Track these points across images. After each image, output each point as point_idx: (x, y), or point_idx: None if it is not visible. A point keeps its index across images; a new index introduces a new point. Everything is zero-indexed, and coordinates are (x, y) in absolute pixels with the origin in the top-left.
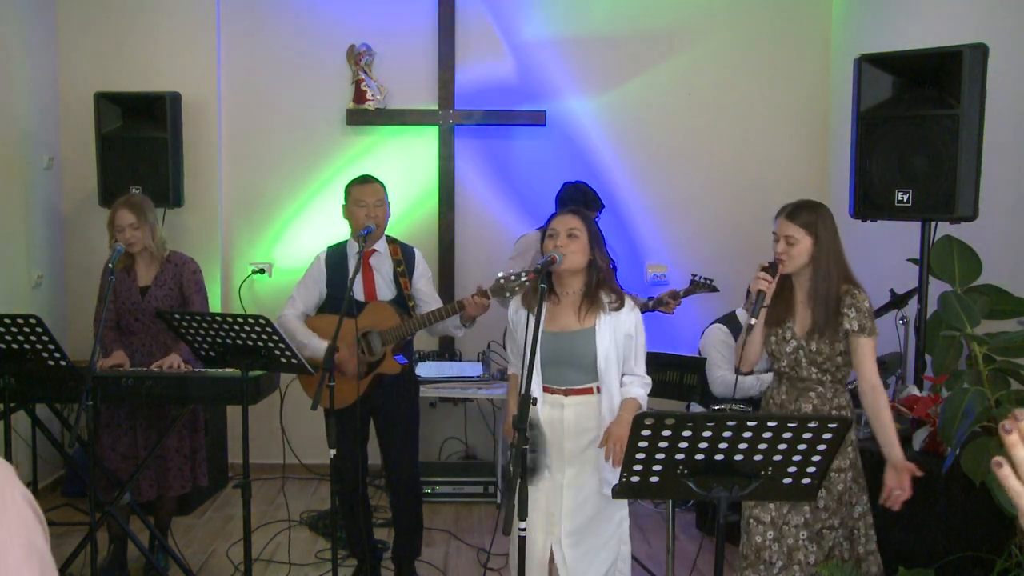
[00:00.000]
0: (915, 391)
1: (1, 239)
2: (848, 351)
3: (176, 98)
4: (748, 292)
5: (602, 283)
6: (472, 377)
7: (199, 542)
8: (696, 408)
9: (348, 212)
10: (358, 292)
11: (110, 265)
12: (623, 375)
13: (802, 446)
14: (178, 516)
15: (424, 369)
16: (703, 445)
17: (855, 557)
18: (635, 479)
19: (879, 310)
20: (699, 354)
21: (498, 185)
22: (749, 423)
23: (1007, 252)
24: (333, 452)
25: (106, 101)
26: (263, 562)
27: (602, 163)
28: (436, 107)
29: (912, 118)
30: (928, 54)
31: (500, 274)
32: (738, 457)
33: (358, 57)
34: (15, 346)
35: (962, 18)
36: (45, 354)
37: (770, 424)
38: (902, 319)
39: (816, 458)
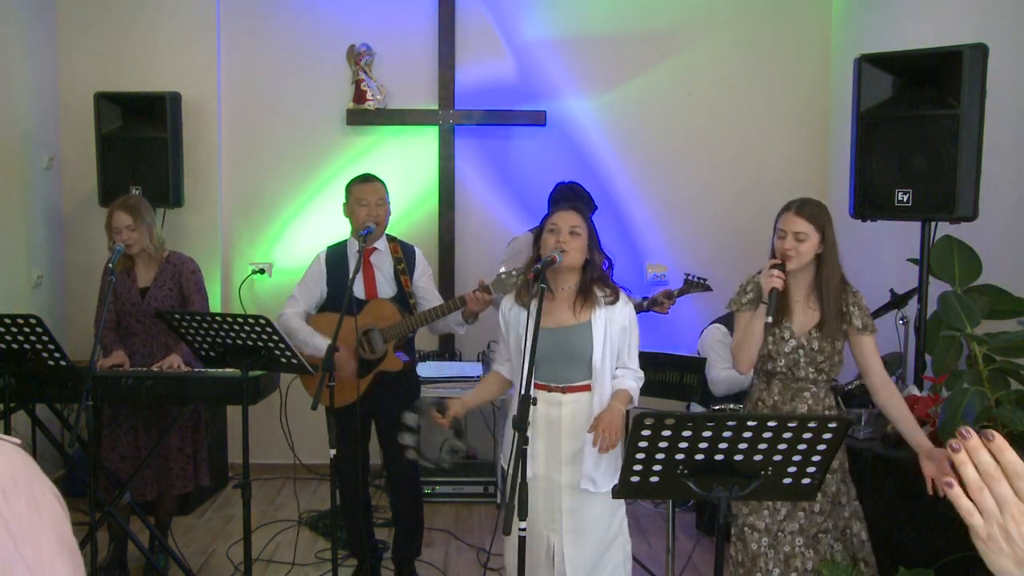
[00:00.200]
0: (915, 391)
1: (1, 239)
2: (842, 350)
3: (176, 98)
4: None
5: (597, 279)
6: (472, 377)
7: (199, 542)
8: (696, 408)
9: (349, 210)
10: (359, 290)
11: (110, 266)
12: (616, 368)
13: (802, 446)
14: (178, 516)
15: (424, 369)
16: (703, 445)
17: (851, 557)
18: (635, 479)
19: (879, 310)
20: (698, 354)
21: (498, 185)
22: (749, 423)
23: (1007, 252)
24: (333, 452)
25: (106, 101)
26: (263, 562)
27: (602, 163)
28: (436, 107)
29: (912, 118)
30: (928, 54)
31: (502, 270)
32: (738, 457)
33: (358, 57)
34: (15, 346)
35: (962, 18)
36: (45, 354)
37: (770, 424)
38: (902, 319)
39: (816, 458)
